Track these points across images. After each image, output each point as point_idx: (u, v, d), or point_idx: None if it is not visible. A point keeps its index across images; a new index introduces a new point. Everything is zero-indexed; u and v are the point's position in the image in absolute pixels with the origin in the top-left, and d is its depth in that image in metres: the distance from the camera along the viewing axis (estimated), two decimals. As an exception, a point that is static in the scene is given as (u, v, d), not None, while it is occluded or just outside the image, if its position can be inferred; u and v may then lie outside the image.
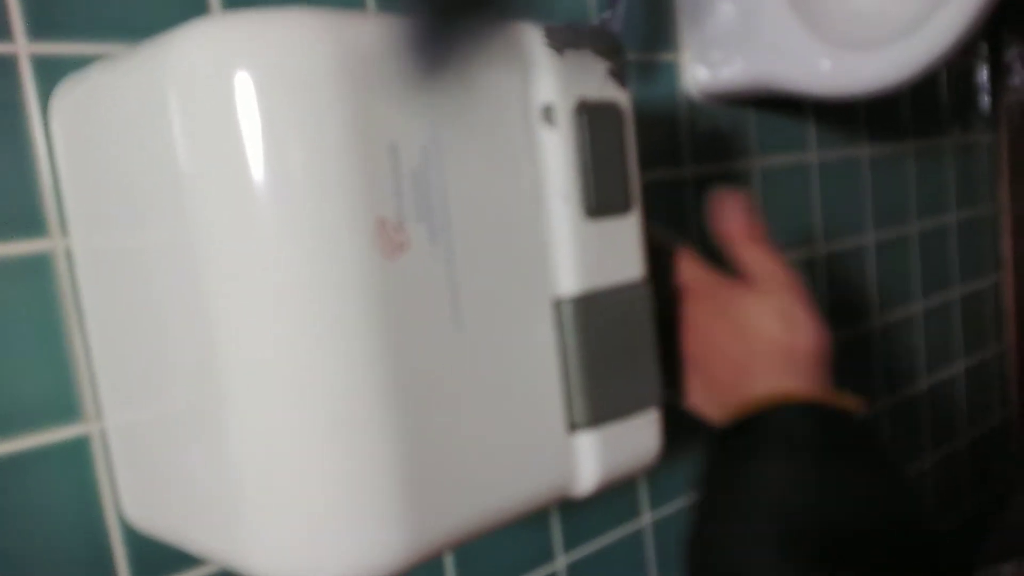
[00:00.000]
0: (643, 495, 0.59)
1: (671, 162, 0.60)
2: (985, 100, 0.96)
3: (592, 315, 0.34)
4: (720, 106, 0.63)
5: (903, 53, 0.52)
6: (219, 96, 0.27)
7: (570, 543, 0.55)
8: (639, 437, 0.36)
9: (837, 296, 0.75)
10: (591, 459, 0.35)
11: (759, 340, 0.40)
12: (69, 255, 0.35)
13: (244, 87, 0.26)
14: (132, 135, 0.30)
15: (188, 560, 0.39)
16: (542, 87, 0.32)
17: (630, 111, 0.35)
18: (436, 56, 0.27)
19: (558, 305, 0.33)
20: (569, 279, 0.33)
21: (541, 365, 0.33)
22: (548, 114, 0.32)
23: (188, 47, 0.27)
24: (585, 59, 0.33)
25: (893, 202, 0.82)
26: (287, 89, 0.27)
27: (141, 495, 0.36)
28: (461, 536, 0.31)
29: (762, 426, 0.38)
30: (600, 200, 0.34)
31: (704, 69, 0.61)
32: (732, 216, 0.43)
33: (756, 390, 0.39)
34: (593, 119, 0.33)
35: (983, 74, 0.96)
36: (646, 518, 0.59)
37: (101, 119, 0.32)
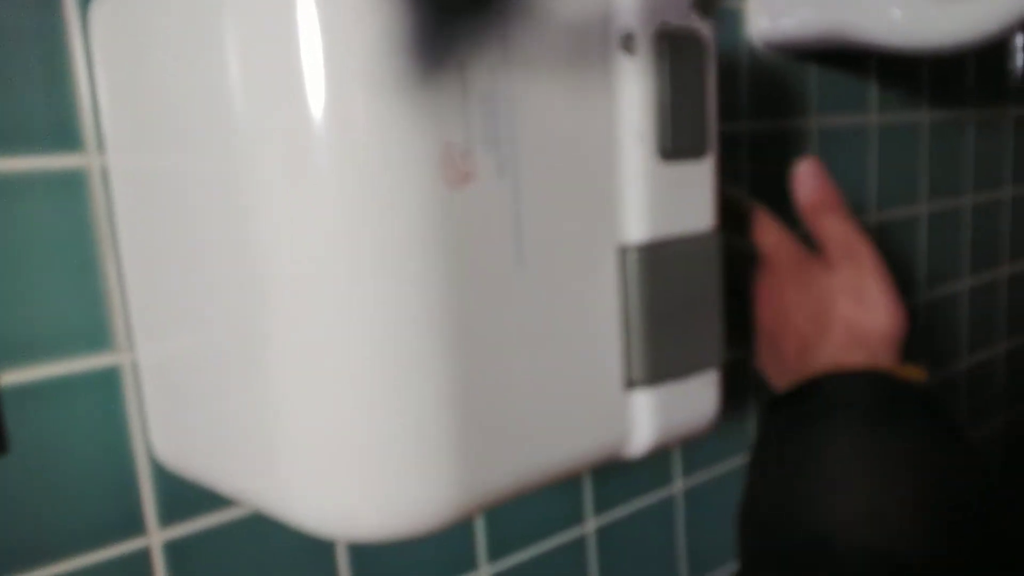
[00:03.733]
0: (676, 461, 0.57)
1: (728, 115, 0.57)
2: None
3: (659, 265, 0.31)
4: (782, 58, 0.59)
5: (992, 5, 0.48)
6: (279, 15, 0.24)
7: (600, 506, 0.53)
8: (698, 399, 0.34)
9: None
10: (647, 419, 0.32)
11: (831, 318, 0.38)
12: (105, 174, 0.33)
13: (306, 6, 0.24)
14: (179, 52, 0.28)
15: (219, 501, 0.37)
16: (623, 11, 0.29)
17: (712, 44, 0.32)
18: (435, 48, 0.25)
19: (624, 252, 0.31)
20: (637, 225, 0.31)
21: (602, 315, 0.31)
22: (627, 42, 0.30)
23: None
24: (669, -16, 0.30)
25: (949, 172, 0.78)
26: (351, 8, 0.24)
27: (172, 432, 0.34)
28: (508, 493, 0.29)
29: (816, 393, 0.36)
30: (676, 142, 0.31)
31: (768, 17, 0.57)
32: (807, 183, 0.40)
33: (819, 364, 0.37)
34: (675, 49, 0.30)
35: (1050, 44, 0.91)
36: (678, 485, 0.57)
37: (145, 33, 0.30)
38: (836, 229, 0.39)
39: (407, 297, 0.26)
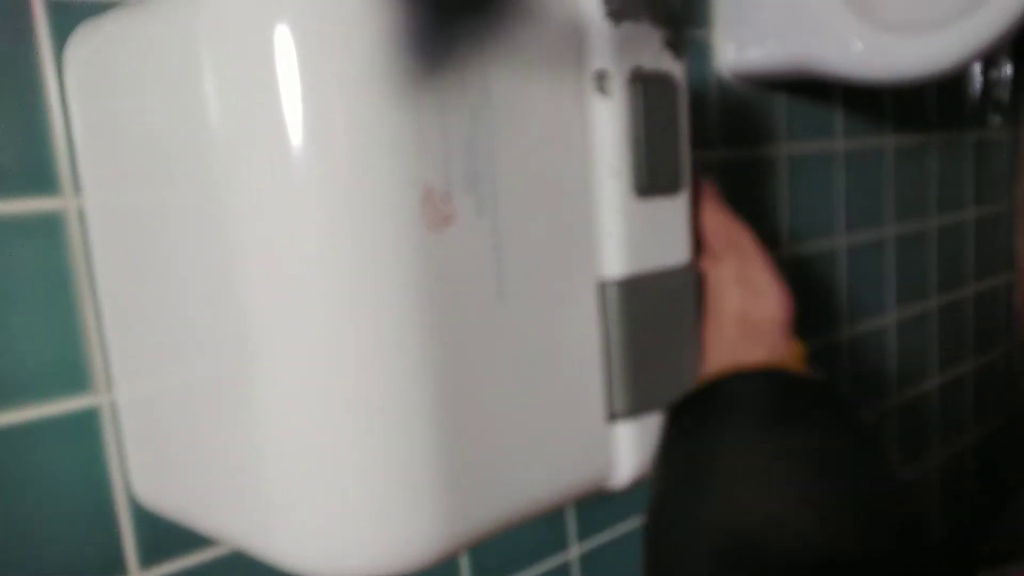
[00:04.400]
0: (657, 485, 0.58)
1: (698, 144, 0.58)
2: (1006, 96, 0.94)
3: (637, 300, 0.32)
4: (750, 88, 0.61)
5: (950, 40, 0.50)
6: (256, 50, 0.25)
7: (584, 532, 0.53)
8: (678, 428, 0.35)
9: (854, 290, 0.73)
10: (630, 450, 0.33)
11: (722, 312, 0.37)
12: (81, 215, 0.33)
13: (284, 41, 0.24)
14: (156, 89, 0.28)
15: (199, 540, 0.37)
16: (597, 53, 0.30)
17: (685, 84, 0.33)
18: (435, 49, 0.25)
19: (603, 287, 0.32)
20: (615, 261, 0.32)
21: (582, 351, 0.31)
22: (602, 82, 0.30)
23: (224, -2, 0.25)
24: (642, 28, 0.31)
25: (914, 196, 0.80)
26: (330, 44, 0.25)
27: (152, 471, 0.34)
28: (494, 529, 0.30)
29: (715, 395, 0.35)
30: (652, 179, 0.32)
31: (736, 48, 0.59)
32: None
33: (716, 363, 0.36)
34: (648, 90, 0.31)
35: (1007, 69, 0.94)
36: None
37: (121, 70, 0.30)
38: (712, 220, 0.38)
39: (390, 338, 0.26)
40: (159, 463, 0.33)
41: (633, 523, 0.56)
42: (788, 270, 0.65)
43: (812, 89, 0.65)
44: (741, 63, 0.59)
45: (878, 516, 0.31)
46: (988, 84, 0.91)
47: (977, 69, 0.90)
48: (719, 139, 0.60)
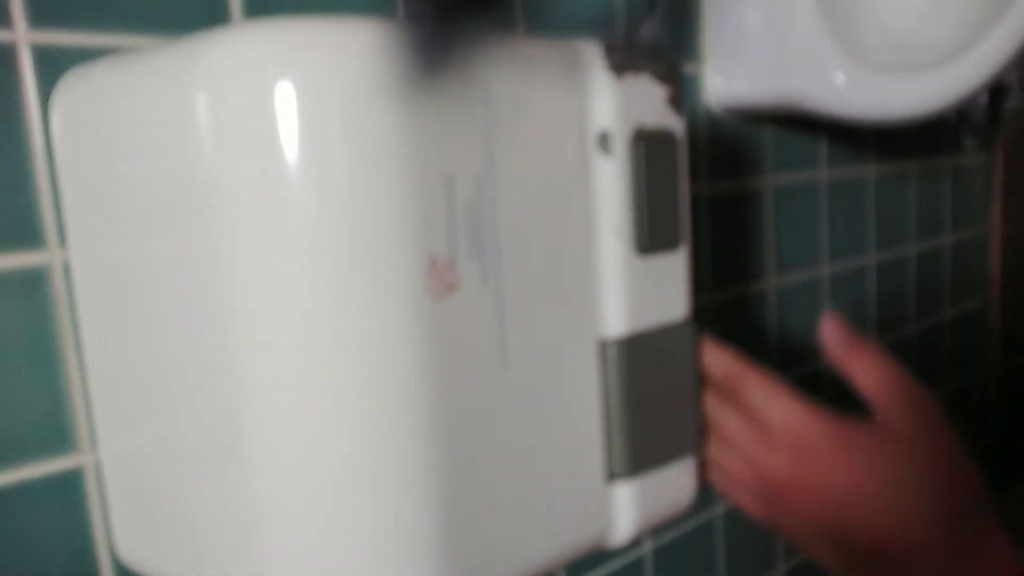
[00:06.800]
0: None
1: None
2: (982, 121, 0.96)
3: (638, 358, 0.32)
4: (738, 120, 0.61)
5: (937, 83, 0.50)
6: (257, 107, 0.24)
7: (572, 571, 0.53)
8: (676, 485, 0.34)
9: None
10: (628, 510, 0.33)
11: (907, 494, 0.31)
12: (67, 269, 0.32)
13: (285, 98, 0.24)
14: (148, 141, 0.27)
15: (184, 600, 0.36)
16: (600, 112, 0.30)
17: (685, 141, 0.33)
18: (436, 57, 0.24)
19: (604, 347, 0.31)
20: (616, 320, 0.31)
21: (583, 411, 0.31)
22: (604, 142, 0.30)
23: (225, 50, 0.24)
24: (644, 83, 0.31)
25: (894, 223, 0.81)
26: (335, 105, 0.24)
27: (137, 532, 0.33)
28: (493, 593, 0.29)
29: None
30: (653, 236, 0.32)
31: (725, 81, 0.59)
32: (825, 328, 0.35)
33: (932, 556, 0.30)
34: (650, 149, 0.31)
35: (983, 96, 0.96)
36: (647, 546, 0.57)
37: (111, 120, 0.29)
38: (871, 373, 0.32)
39: (391, 406, 0.26)
40: (144, 524, 0.32)
41: (621, 561, 0.56)
42: (774, 301, 0.66)
43: (797, 120, 0.66)
44: (730, 96, 0.59)
45: None
46: (964, 110, 0.92)
47: (955, 97, 0.91)
48: (707, 171, 0.60)
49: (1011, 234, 1.01)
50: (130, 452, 0.32)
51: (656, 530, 0.56)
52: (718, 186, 0.60)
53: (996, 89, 0.96)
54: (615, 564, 0.55)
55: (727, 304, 0.62)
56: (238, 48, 0.24)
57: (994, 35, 0.47)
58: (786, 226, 0.66)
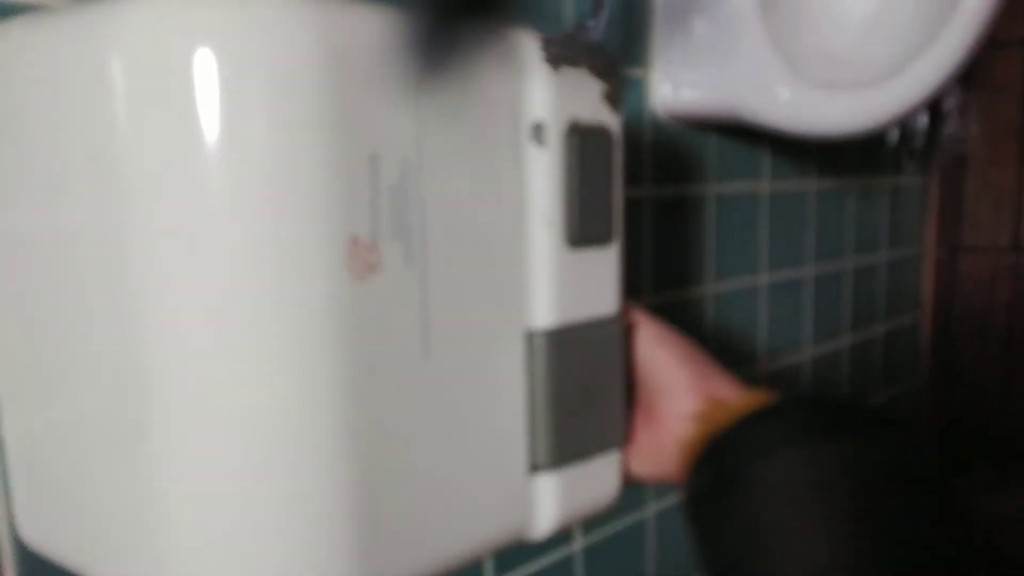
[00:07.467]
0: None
1: (630, 180, 0.59)
2: (921, 145, 0.99)
3: (564, 351, 0.32)
4: (682, 127, 0.62)
5: (875, 100, 0.52)
6: (174, 74, 0.23)
7: (501, 568, 0.53)
8: (600, 478, 0.34)
9: (774, 327, 0.75)
10: (550, 502, 0.32)
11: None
12: (-25, 236, 0.31)
13: (205, 66, 0.23)
14: (62, 106, 0.26)
15: (89, 585, 0.35)
16: (534, 103, 0.30)
17: (621, 138, 0.33)
18: (434, 56, 0.24)
19: (531, 338, 0.31)
20: (544, 311, 0.31)
21: (507, 402, 0.31)
22: (538, 133, 0.30)
23: (144, 12, 0.24)
24: (581, 78, 0.31)
25: (832, 237, 0.83)
26: (257, 76, 0.23)
27: (39, 512, 0.32)
28: (408, 582, 0.29)
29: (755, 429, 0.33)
30: (584, 230, 0.32)
31: (672, 89, 0.60)
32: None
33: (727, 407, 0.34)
34: (584, 143, 0.31)
35: (922, 119, 0.99)
36: (577, 543, 0.58)
37: (24, 82, 0.28)
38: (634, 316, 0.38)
39: (307, 388, 0.25)
40: (46, 504, 0.31)
41: (552, 557, 0.56)
42: (712, 306, 0.67)
43: (742, 131, 0.67)
44: (676, 103, 0.60)
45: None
46: (904, 132, 0.95)
47: (895, 119, 0.94)
48: (651, 176, 0.60)
49: (944, 256, 1.05)
50: (33, 429, 0.31)
51: (586, 528, 0.56)
52: (662, 191, 0.61)
53: (936, 115, 0.99)
54: (545, 561, 0.55)
55: (666, 307, 0.62)
56: (157, 11, 0.23)
57: (930, 56, 0.49)
58: (727, 234, 0.67)
